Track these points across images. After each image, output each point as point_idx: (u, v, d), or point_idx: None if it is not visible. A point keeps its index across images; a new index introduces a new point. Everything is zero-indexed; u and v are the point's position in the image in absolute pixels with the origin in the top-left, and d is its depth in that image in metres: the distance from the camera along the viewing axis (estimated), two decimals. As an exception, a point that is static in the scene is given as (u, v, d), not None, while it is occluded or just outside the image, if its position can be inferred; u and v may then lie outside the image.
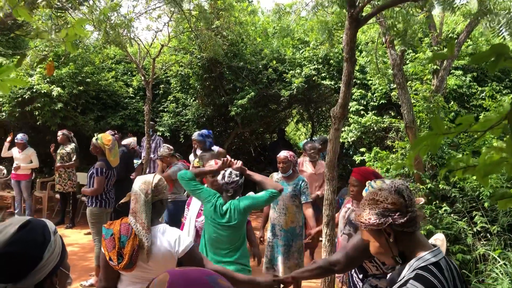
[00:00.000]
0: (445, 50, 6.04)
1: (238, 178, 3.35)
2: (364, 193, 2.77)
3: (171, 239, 2.41)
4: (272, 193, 3.26)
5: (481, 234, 5.24)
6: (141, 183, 2.51)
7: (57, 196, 8.55)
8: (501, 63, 0.86)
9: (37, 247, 1.41)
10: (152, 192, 2.48)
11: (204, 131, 6.52)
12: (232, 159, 3.43)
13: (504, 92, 8.01)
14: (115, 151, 5.43)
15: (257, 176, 3.44)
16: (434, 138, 0.95)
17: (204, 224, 3.42)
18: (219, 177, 3.40)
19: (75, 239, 7.47)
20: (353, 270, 2.72)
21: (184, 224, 3.76)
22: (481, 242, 5.12)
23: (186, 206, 3.78)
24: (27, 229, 1.42)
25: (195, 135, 7.87)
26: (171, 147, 6.08)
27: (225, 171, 3.38)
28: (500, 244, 4.97)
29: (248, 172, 3.42)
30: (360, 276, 2.66)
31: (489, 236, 5.18)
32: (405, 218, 1.60)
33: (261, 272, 4.66)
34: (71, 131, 8.58)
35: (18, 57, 5.26)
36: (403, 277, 1.59)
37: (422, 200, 5.15)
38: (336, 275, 3.43)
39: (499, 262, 4.61)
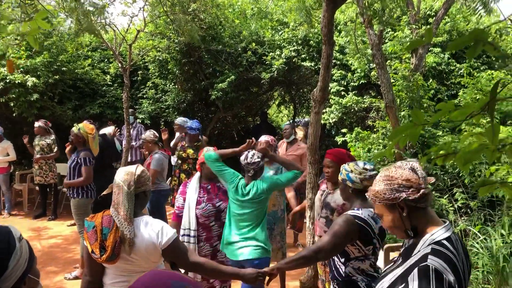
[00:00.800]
0: (423, 30, 6.00)
1: (259, 159, 3.48)
2: (339, 177, 2.78)
3: (154, 230, 2.37)
4: (295, 173, 3.48)
5: (462, 210, 5.33)
6: (124, 174, 2.46)
7: (37, 188, 8.42)
8: (480, 48, 0.83)
9: (2, 256, 1.36)
10: (135, 183, 2.43)
11: (196, 124, 6.44)
12: (258, 144, 3.64)
13: (482, 68, 8.08)
14: (96, 140, 5.35)
15: (279, 158, 3.73)
16: (413, 129, 0.92)
17: (229, 202, 3.55)
18: (242, 158, 3.51)
19: (58, 231, 7.38)
20: None
21: (174, 214, 3.72)
22: (462, 218, 5.21)
23: (180, 195, 3.74)
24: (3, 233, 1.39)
25: (179, 120, 7.79)
26: (157, 134, 5.98)
27: (248, 152, 3.52)
28: (480, 219, 5.07)
29: (271, 153, 3.60)
30: (342, 260, 2.68)
31: (469, 212, 5.27)
32: (418, 194, 1.67)
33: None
34: (49, 121, 8.41)
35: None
36: (418, 251, 1.65)
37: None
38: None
39: (479, 237, 4.70)
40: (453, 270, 1.53)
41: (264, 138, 4.82)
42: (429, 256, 1.56)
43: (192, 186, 3.70)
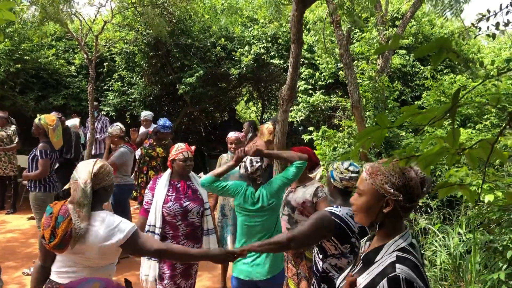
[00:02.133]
0: (390, 32, 6.11)
1: (260, 163, 3.32)
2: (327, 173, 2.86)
3: (110, 227, 2.35)
4: (298, 164, 3.26)
5: (422, 209, 5.48)
6: (81, 170, 2.43)
7: (-4, 180, 8.15)
8: (444, 55, 0.86)
9: None
10: (92, 180, 2.39)
11: (168, 122, 6.35)
12: (246, 147, 3.34)
13: (445, 71, 8.32)
14: (58, 132, 5.17)
15: (275, 154, 3.47)
16: (378, 132, 0.95)
17: (237, 214, 3.38)
18: (242, 170, 3.34)
19: (17, 224, 7.17)
20: (315, 250, 2.78)
21: (143, 209, 3.67)
22: (423, 217, 5.36)
23: (149, 190, 3.66)
24: None
25: (148, 115, 7.69)
26: (123, 129, 5.86)
27: (245, 161, 3.33)
28: (439, 218, 5.23)
29: (266, 152, 3.36)
30: (321, 256, 2.71)
31: (429, 211, 5.43)
32: (410, 205, 1.66)
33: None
34: (10, 112, 8.13)
35: None
36: (381, 258, 1.64)
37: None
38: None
39: (438, 235, 4.85)
40: (419, 276, 1.53)
41: (234, 135, 4.81)
42: (397, 265, 1.54)
43: (162, 182, 3.63)
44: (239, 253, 2.55)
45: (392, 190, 1.64)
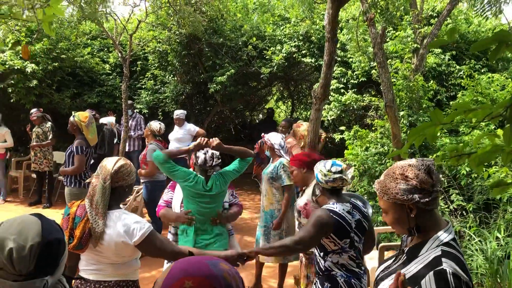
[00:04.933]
0: (425, 30, 5.96)
1: (220, 159, 3.44)
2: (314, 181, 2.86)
3: (126, 226, 2.33)
4: (248, 160, 3.50)
5: (458, 212, 5.34)
6: (103, 166, 2.44)
7: (33, 175, 8.39)
8: (503, 49, 0.83)
9: (62, 233, 1.49)
10: (111, 178, 2.39)
11: None
12: (210, 139, 3.44)
13: (482, 71, 8.09)
14: (92, 129, 5.27)
15: (234, 148, 3.57)
16: (432, 129, 0.92)
17: (186, 203, 3.40)
18: (200, 160, 3.39)
19: (52, 218, 7.35)
20: (315, 249, 2.79)
21: (161, 207, 3.70)
22: (458, 220, 5.23)
23: (169, 188, 3.71)
24: (44, 218, 1.48)
25: (177, 113, 7.81)
26: (162, 129, 5.97)
27: (206, 153, 3.40)
28: (475, 221, 5.08)
29: (225, 146, 3.45)
30: (321, 254, 2.72)
31: (465, 214, 5.29)
32: (430, 198, 1.65)
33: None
34: (47, 109, 8.36)
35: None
36: (426, 252, 1.64)
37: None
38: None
39: (474, 239, 4.71)
40: (464, 270, 1.54)
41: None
42: (443, 259, 1.55)
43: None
44: (248, 255, 2.57)
45: (405, 197, 1.65)
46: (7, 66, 8.14)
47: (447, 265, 1.53)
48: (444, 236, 1.65)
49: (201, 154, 3.40)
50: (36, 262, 1.35)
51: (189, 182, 3.32)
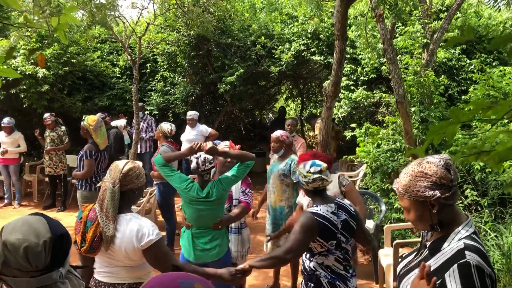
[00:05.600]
0: (435, 25, 5.90)
1: (212, 164, 3.42)
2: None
3: (134, 231, 2.34)
4: (248, 164, 3.39)
5: (472, 207, 5.30)
6: (112, 170, 2.46)
7: (47, 179, 8.47)
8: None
9: (64, 227, 1.54)
10: (120, 182, 2.40)
11: (217, 142, 6.32)
12: (204, 143, 3.40)
13: (493, 64, 8.01)
14: (101, 133, 5.25)
15: (232, 152, 3.47)
16: (452, 127, 0.92)
17: (185, 207, 3.44)
18: (193, 165, 3.40)
19: (67, 222, 7.42)
20: None
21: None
22: (473, 215, 5.19)
23: None
24: (46, 216, 1.53)
25: (190, 114, 7.83)
26: (173, 131, 6.03)
27: (198, 158, 3.38)
28: (490, 217, 5.04)
29: (221, 150, 3.42)
30: (308, 255, 2.76)
31: (479, 209, 5.24)
32: (450, 192, 1.67)
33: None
34: (59, 113, 8.44)
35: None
36: (449, 246, 1.66)
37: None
38: None
39: (490, 234, 4.67)
40: (487, 263, 1.56)
41: (275, 134, 4.79)
42: (466, 252, 1.57)
43: None
44: (243, 270, 2.57)
45: (427, 193, 1.68)
46: (18, 72, 8.22)
47: (471, 258, 1.54)
48: (465, 230, 1.67)
49: (193, 159, 3.40)
50: (51, 255, 1.42)
51: (183, 188, 3.34)
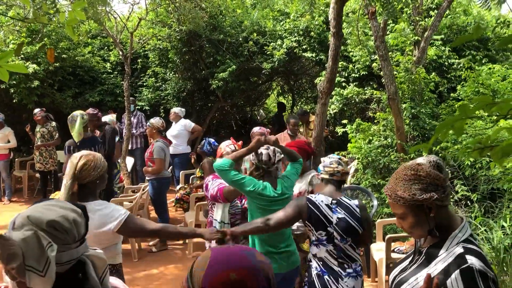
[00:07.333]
0: (425, 23, 5.92)
1: (282, 155, 3.23)
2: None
3: (102, 216, 2.47)
4: (301, 161, 3.34)
5: (462, 202, 5.39)
6: (68, 165, 2.50)
7: (37, 175, 8.42)
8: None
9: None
10: (76, 177, 2.46)
11: (212, 141, 6.07)
12: (268, 135, 3.25)
13: (483, 61, 8.12)
14: (74, 126, 5.10)
15: (285, 148, 3.35)
16: (460, 122, 0.96)
17: (251, 208, 3.16)
18: (264, 156, 3.12)
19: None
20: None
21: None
22: (463, 210, 5.28)
23: (216, 178, 3.47)
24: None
25: (179, 110, 7.83)
26: (164, 124, 6.03)
27: (268, 149, 3.16)
28: (480, 211, 5.13)
29: (279, 145, 3.24)
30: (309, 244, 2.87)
31: (469, 204, 5.33)
32: (445, 193, 1.64)
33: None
34: (49, 108, 8.37)
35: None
36: (446, 251, 1.62)
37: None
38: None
39: (479, 229, 4.76)
40: (488, 266, 1.52)
41: (257, 130, 4.83)
42: (467, 256, 1.53)
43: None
44: (224, 232, 2.58)
45: (423, 196, 1.62)
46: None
47: (472, 262, 1.51)
48: (462, 233, 1.64)
49: (263, 151, 3.14)
50: (85, 224, 1.48)
51: (261, 188, 3.01)
